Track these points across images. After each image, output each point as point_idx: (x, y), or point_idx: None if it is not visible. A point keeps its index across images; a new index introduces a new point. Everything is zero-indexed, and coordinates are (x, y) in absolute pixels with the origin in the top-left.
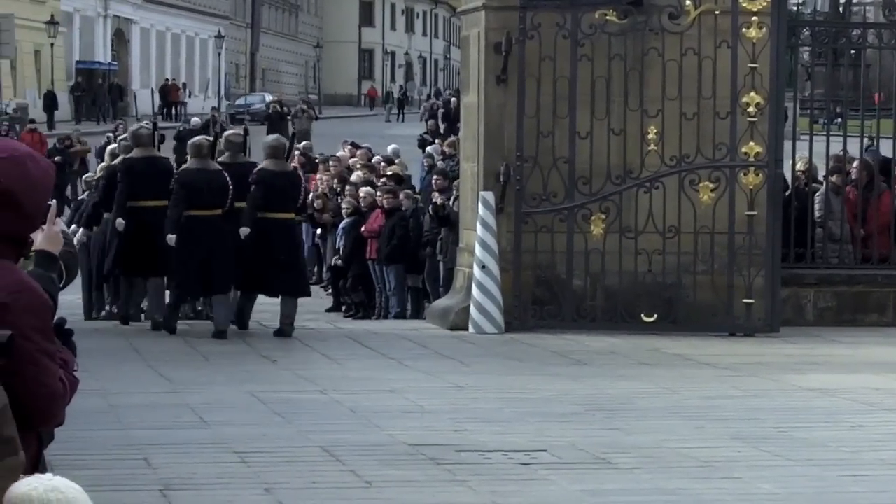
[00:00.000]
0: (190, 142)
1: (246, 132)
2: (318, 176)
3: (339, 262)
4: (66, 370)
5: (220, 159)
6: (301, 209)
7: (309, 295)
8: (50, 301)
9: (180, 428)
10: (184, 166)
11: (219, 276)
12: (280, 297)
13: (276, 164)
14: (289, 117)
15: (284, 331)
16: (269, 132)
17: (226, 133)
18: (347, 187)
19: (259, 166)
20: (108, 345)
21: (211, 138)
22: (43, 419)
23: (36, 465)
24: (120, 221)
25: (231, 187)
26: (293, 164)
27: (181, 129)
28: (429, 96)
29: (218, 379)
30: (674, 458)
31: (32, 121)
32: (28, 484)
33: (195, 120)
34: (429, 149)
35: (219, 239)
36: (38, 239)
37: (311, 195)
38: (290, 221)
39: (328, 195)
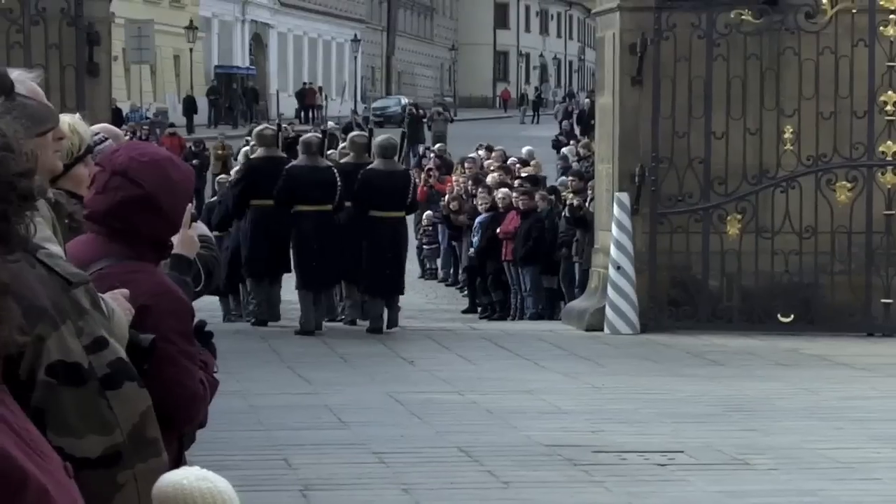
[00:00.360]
0: (301, 139)
1: (371, 133)
2: (453, 178)
3: (472, 254)
4: (207, 371)
5: (343, 160)
6: (410, 208)
7: (402, 293)
8: (190, 304)
9: (320, 429)
10: (293, 162)
11: (325, 272)
12: (373, 296)
13: (385, 164)
14: (424, 120)
15: (379, 328)
16: (408, 134)
17: (351, 134)
18: (480, 189)
19: (369, 166)
20: (248, 346)
21: (320, 136)
22: (184, 420)
23: (177, 466)
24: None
25: (340, 184)
26: (405, 166)
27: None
28: (564, 98)
29: (356, 380)
30: (812, 459)
31: (172, 125)
32: (178, 473)
33: (331, 124)
34: (563, 150)
35: (328, 234)
36: (175, 242)
37: (446, 197)
38: (397, 220)
39: (463, 197)
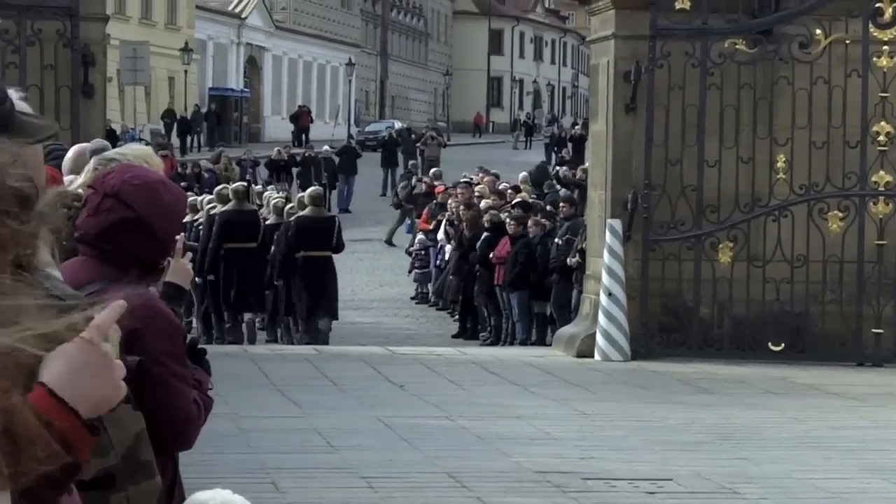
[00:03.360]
0: (231, 187)
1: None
2: (449, 202)
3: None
4: (201, 391)
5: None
6: (336, 248)
7: (336, 318)
8: (181, 325)
9: (308, 452)
10: (224, 208)
11: (249, 298)
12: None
13: (314, 211)
14: (418, 144)
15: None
16: (383, 157)
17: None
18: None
19: (300, 213)
20: (238, 369)
21: (245, 184)
22: (178, 442)
23: (172, 488)
24: None
25: (262, 225)
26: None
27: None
28: (549, 122)
29: (346, 404)
30: (801, 489)
31: (164, 146)
32: (206, 494)
33: (326, 148)
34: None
35: (251, 267)
36: (168, 271)
37: (446, 217)
38: (326, 258)
39: (455, 221)
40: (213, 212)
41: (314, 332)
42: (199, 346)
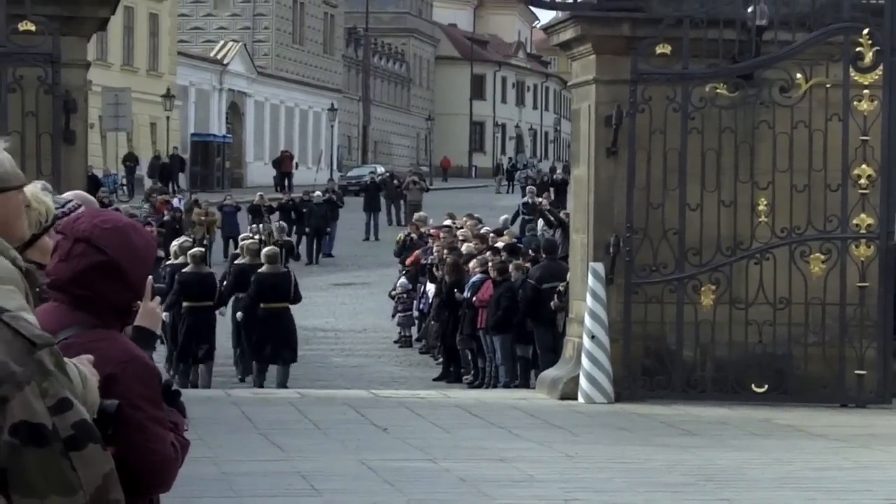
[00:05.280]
0: (189, 252)
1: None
2: (433, 246)
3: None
4: (177, 433)
5: (239, 261)
6: (294, 300)
7: (295, 361)
8: (157, 369)
9: (292, 496)
10: (183, 270)
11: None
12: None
13: (271, 268)
14: (400, 188)
15: (283, 384)
16: (365, 202)
17: (243, 242)
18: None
19: (259, 269)
20: (220, 413)
21: (203, 249)
22: (156, 485)
23: None
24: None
25: (219, 286)
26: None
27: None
28: (517, 166)
29: (329, 447)
30: None
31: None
32: None
33: (317, 193)
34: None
35: (206, 324)
36: (137, 314)
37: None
38: (283, 308)
39: (437, 266)
40: (172, 262)
41: (273, 375)
42: (174, 388)
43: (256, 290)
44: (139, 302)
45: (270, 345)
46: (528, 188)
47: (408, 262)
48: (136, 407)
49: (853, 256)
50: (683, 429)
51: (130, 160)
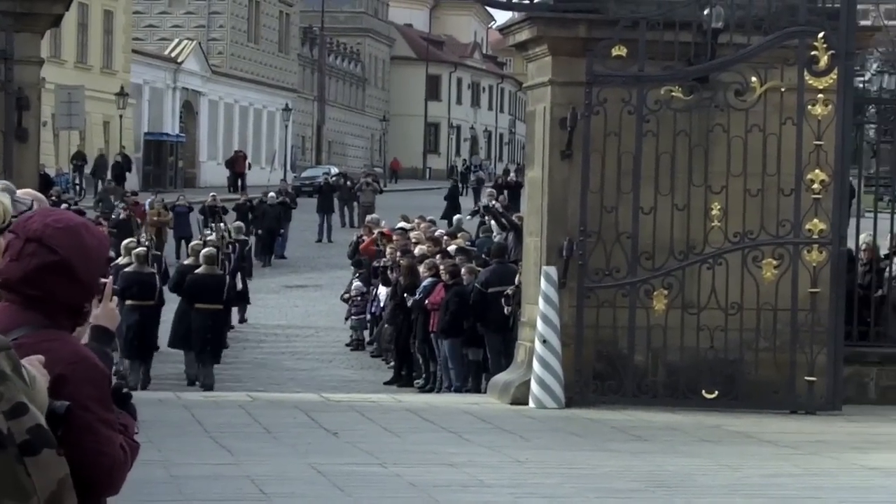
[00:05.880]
0: (133, 252)
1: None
2: (388, 248)
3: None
4: (127, 435)
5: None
6: (227, 302)
7: (218, 362)
8: (107, 370)
9: (241, 500)
10: (126, 269)
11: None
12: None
13: (207, 269)
14: (354, 189)
15: (210, 385)
16: (319, 204)
17: (192, 243)
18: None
19: (196, 271)
20: (170, 416)
21: (145, 249)
22: (105, 487)
23: None
24: None
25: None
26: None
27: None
28: (467, 168)
29: (279, 451)
30: None
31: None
32: None
33: (272, 194)
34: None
35: (150, 321)
36: (95, 314)
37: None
38: (217, 310)
39: (391, 268)
40: (117, 262)
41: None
42: (125, 391)
43: (189, 291)
44: (96, 300)
45: (199, 344)
46: (488, 190)
47: (361, 248)
48: (86, 408)
49: (805, 262)
50: (634, 434)
51: (79, 159)
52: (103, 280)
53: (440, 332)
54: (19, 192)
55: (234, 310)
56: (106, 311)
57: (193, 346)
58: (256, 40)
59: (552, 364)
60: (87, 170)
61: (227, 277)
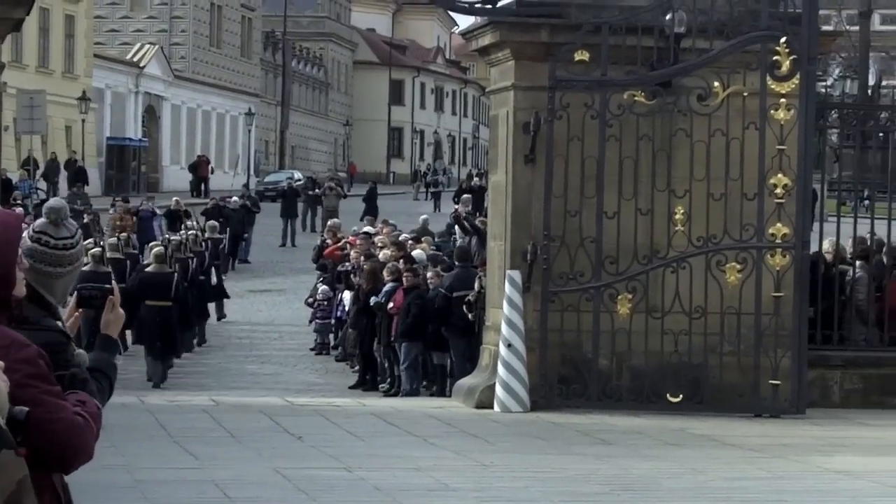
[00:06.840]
0: (90, 251)
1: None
2: (352, 252)
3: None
4: (85, 406)
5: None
6: (175, 299)
7: (178, 356)
8: (41, 350)
9: None
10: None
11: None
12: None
13: (157, 268)
14: (317, 192)
15: (157, 383)
16: (283, 208)
17: (151, 243)
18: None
19: (145, 269)
20: (134, 420)
21: (101, 249)
22: (71, 449)
23: None
24: None
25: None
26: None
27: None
28: (425, 173)
29: (243, 455)
30: None
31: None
32: None
33: (234, 199)
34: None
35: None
36: (105, 320)
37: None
38: (166, 307)
39: (354, 272)
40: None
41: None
42: (82, 376)
43: (139, 287)
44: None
45: (149, 341)
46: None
47: (325, 252)
48: (27, 385)
49: (769, 266)
50: (599, 438)
51: (29, 164)
52: (108, 286)
53: (399, 336)
54: None
55: (212, 306)
56: (116, 319)
57: (143, 341)
58: (219, 45)
59: (517, 368)
60: (38, 175)
61: (176, 276)
